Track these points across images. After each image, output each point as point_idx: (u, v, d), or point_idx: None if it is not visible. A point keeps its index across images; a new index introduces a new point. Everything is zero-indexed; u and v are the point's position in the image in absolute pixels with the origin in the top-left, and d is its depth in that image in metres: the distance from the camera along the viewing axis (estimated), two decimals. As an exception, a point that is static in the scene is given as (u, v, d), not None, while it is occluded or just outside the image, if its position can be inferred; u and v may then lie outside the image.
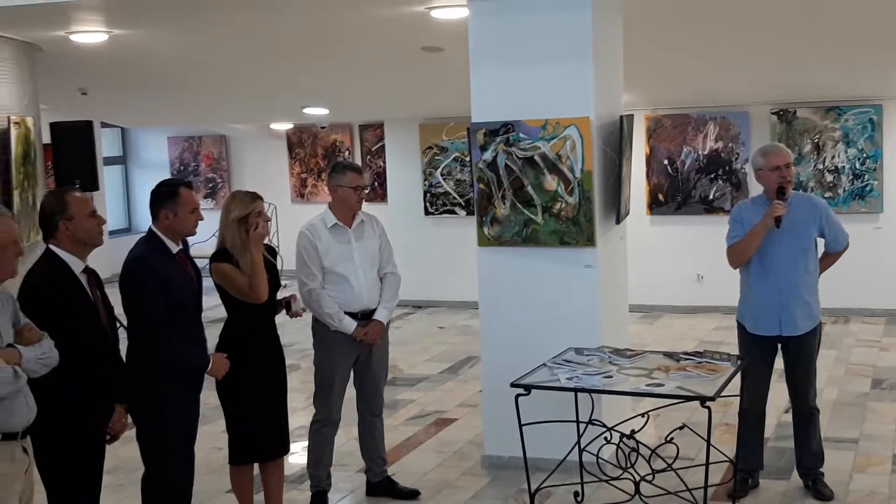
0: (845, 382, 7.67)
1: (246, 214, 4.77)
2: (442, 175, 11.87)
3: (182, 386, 4.38)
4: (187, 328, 4.38)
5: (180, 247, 4.43)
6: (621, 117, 5.98)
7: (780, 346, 5.38)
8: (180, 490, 4.44)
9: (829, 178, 10.27)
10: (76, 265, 4.05)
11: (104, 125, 13.75)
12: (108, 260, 10.05)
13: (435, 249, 11.81)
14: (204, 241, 12.74)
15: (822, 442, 5.50)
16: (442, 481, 5.87)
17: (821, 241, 5.45)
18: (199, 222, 4.46)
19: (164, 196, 4.39)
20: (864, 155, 10.25)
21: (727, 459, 5.25)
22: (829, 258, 5.52)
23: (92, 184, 8.58)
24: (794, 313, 5.26)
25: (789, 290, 5.25)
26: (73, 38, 7.41)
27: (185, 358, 4.37)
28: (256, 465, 5.04)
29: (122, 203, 15.52)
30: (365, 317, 5.34)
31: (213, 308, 5.22)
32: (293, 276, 5.42)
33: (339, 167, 5.43)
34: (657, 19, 7.10)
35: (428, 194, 11.95)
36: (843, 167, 10.29)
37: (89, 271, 4.11)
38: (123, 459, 5.53)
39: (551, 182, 5.77)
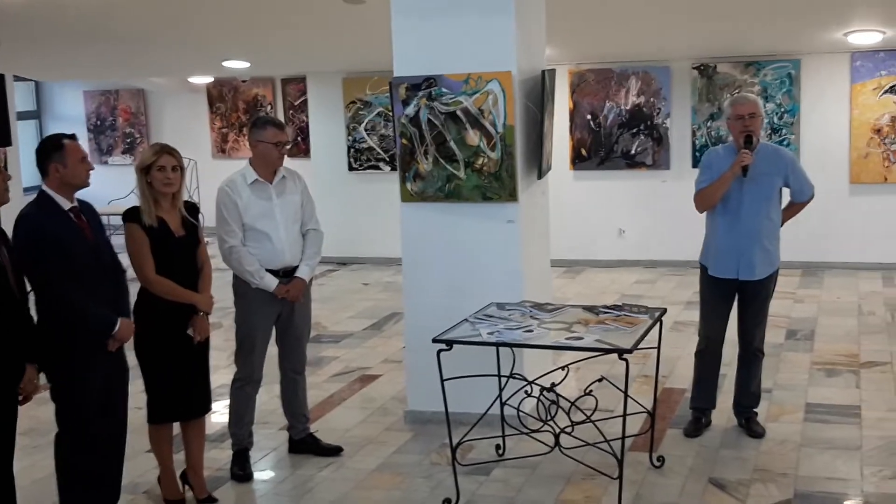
0: (761, 334, 7.84)
1: (147, 165, 4.67)
2: (366, 130, 11.78)
3: (91, 343, 4.30)
4: (91, 285, 4.29)
5: (74, 203, 4.34)
6: (543, 72, 5.97)
7: (737, 288, 5.57)
8: (89, 448, 4.40)
9: (748, 133, 10.42)
10: None
11: (17, 79, 13.33)
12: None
13: (359, 206, 11.76)
14: (122, 197, 12.54)
15: (760, 385, 5.75)
16: (365, 437, 5.88)
17: (786, 191, 5.63)
18: (91, 172, 4.41)
19: (49, 150, 4.31)
20: (783, 109, 10.42)
21: (645, 410, 5.36)
22: (793, 208, 5.71)
23: (4, 139, 8.36)
24: (753, 259, 5.48)
25: (750, 236, 5.46)
26: (-18, -13, 7.16)
27: (87, 315, 4.28)
28: (177, 424, 4.99)
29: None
30: (287, 274, 5.29)
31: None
32: (214, 234, 5.35)
33: (260, 122, 5.35)
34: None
35: (352, 150, 11.86)
36: (762, 121, 10.43)
37: (-6, 230, 4.01)
38: (39, 420, 5.44)
39: (473, 137, 5.75)
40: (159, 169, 4.67)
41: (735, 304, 5.65)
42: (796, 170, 5.60)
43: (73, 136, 4.41)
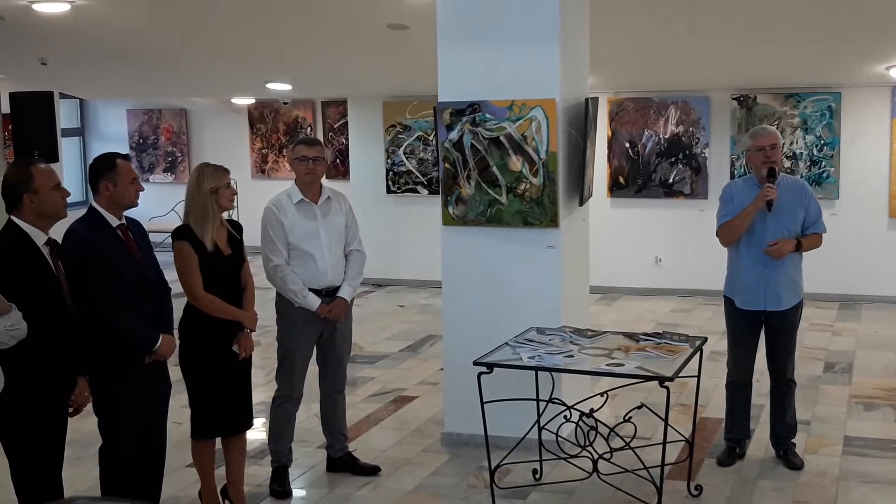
0: (799, 365, 7.69)
1: (218, 187, 4.78)
2: (405, 154, 11.86)
3: (132, 357, 4.38)
4: (135, 301, 4.37)
5: (122, 221, 4.43)
6: (587, 100, 6.02)
7: (763, 319, 5.56)
8: (130, 460, 4.47)
9: (788, 164, 10.40)
10: (38, 237, 4.03)
11: (62, 96, 13.56)
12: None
13: (396, 228, 11.81)
14: (163, 214, 12.66)
15: (796, 415, 5.74)
16: (401, 458, 5.91)
17: None
18: (141, 193, 4.51)
19: (102, 168, 4.39)
20: (822, 142, 10.39)
21: (683, 439, 5.35)
22: (811, 237, 5.61)
23: (51, 155, 8.49)
24: (779, 290, 5.48)
25: (775, 267, 5.46)
26: (36, 7, 7.31)
27: (129, 333, 4.36)
28: (218, 440, 5.05)
29: (79, 175, 15.32)
30: (329, 294, 5.36)
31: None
32: (256, 253, 5.42)
33: (293, 142, 5.56)
34: (623, 2, 7.14)
35: (390, 172, 11.94)
36: (801, 153, 10.43)
37: (52, 243, 4.10)
38: (82, 433, 5.50)
39: (516, 163, 5.81)
40: (227, 186, 4.80)
41: (762, 337, 5.64)
42: (812, 204, 5.59)
43: (126, 157, 4.52)
